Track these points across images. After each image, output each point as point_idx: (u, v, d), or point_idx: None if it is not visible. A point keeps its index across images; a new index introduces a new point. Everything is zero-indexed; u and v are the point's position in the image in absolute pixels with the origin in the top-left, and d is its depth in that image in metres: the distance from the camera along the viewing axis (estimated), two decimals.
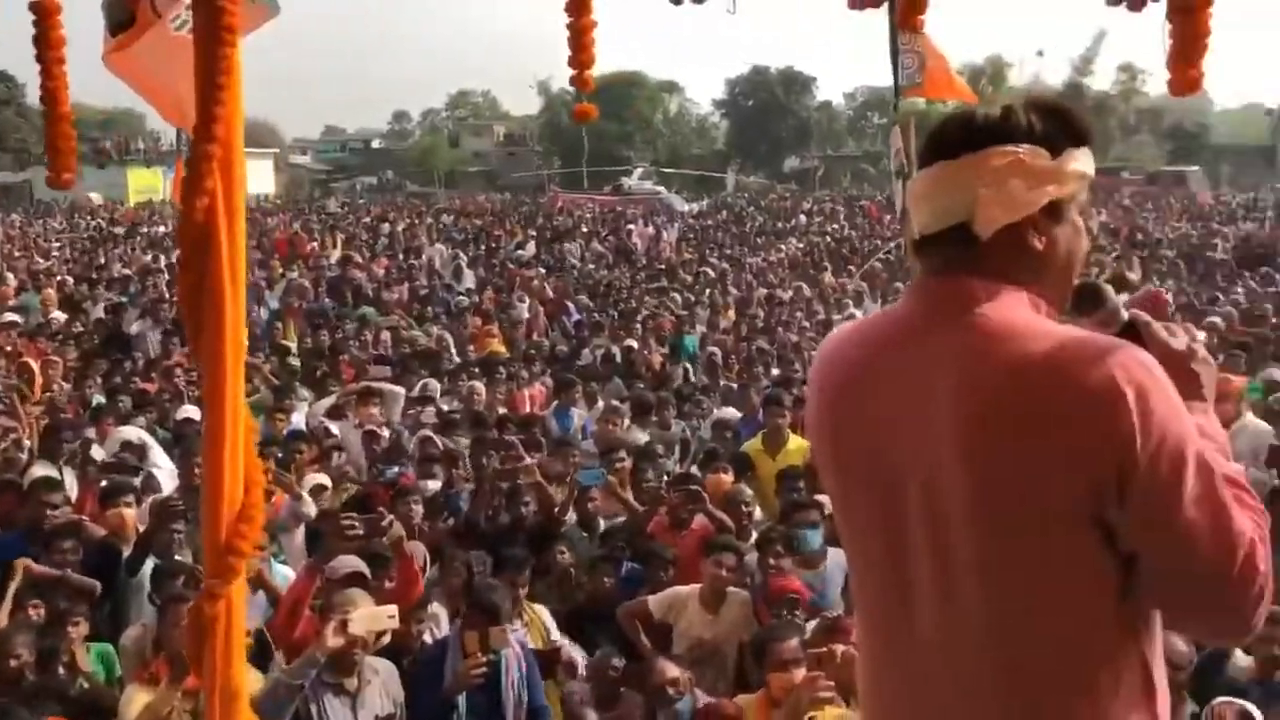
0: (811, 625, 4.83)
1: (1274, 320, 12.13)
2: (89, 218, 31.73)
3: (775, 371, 10.91)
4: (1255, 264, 18.02)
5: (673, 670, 4.74)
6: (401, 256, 19.75)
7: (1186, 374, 1.60)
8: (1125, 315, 1.69)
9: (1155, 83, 58.61)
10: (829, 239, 25.35)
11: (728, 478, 6.92)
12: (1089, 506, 1.46)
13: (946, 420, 1.51)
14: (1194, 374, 1.63)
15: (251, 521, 1.95)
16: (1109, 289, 1.72)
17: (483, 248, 22.22)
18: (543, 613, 5.54)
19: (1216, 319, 11.25)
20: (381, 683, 4.48)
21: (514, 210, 35.62)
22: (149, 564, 5.70)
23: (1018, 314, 1.56)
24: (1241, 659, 4.74)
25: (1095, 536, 1.48)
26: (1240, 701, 3.88)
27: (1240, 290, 14.76)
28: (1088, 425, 1.43)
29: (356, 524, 4.91)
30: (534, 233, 25.12)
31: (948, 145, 1.63)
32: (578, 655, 5.55)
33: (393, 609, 4.50)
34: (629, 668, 5.31)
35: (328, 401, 9.10)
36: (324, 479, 7.03)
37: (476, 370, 10.32)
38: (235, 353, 1.91)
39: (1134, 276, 16.06)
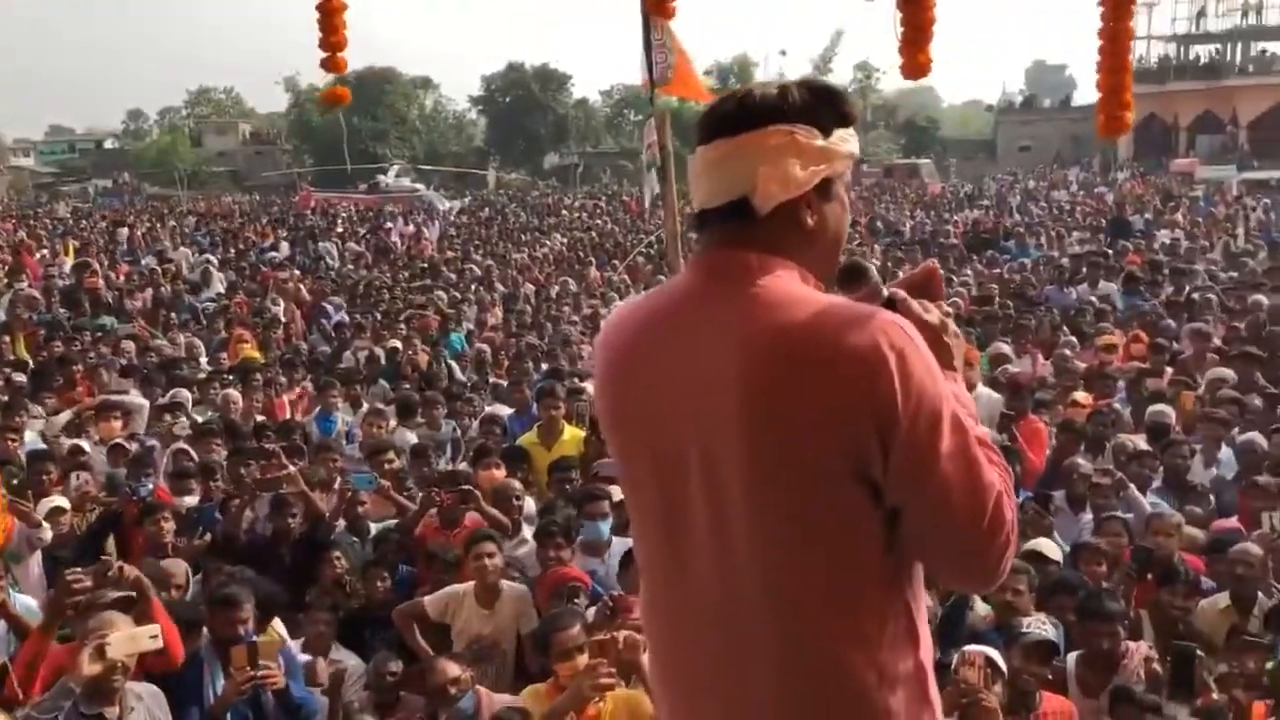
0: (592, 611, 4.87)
1: (999, 300, 13.15)
2: None
3: (544, 366, 10.94)
4: (981, 248, 19.49)
5: (453, 669, 4.68)
6: (144, 261, 18.58)
7: (939, 345, 1.70)
8: (885, 292, 1.77)
9: (889, 80, 62.42)
10: (592, 234, 25.62)
11: (499, 473, 6.88)
12: (855, 464, 1.54)
13: (723, 384, 1.57)
14: (946, 345, 1.73)
15: None
16: (872, 267, 1.81)
17: (232, 250, 21.20)
18: (277, 624, 5.32)
19: (954, 299, 12.09)
20: (146, 710, 4.19)
21: (264, 211, 34.18)
22: None
23: (791, 286, 1.62)
24: (980, 608, 5.12)
25: (861, 493, 1.56)
26: (987, 649, 4.17)
27: (969, 272, 15.91)
28: (853, 386, 1.51)
29: (82, 578, 4.44)
30: (286, 233, 24.17)
31: (727, 122, 1.67)
32: (353, 661, 5.41)
33: (155, 628, 4.20)
34: (408, 671, 5.23)
35: (64, 418, 8.47)
36: (62, 501, 6.52)
37: (230, 378, 9.83)
38: None
39: (875, 263, 17.04)
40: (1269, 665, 4.43)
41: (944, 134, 69.18)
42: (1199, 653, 4.41)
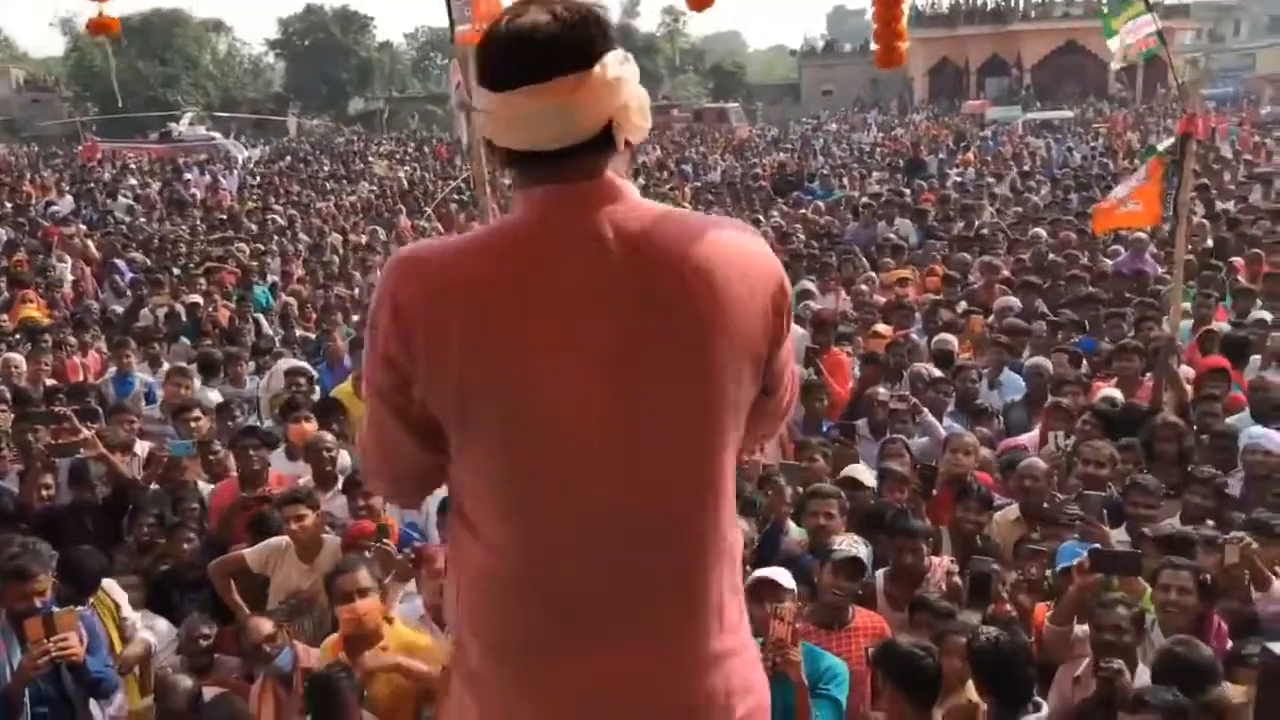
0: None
1: (801, 239, 13.57)
2: None
3: (355, 317, 10.69)
4: (787, 190, 20.02)
5: (266, 626, 4.62)
6: None
7: None
8: None
9: (696, 25, 62.87)
10: (401, 181, 25.03)
11: (310, 426, 6.71)
12: (759, 362, 1.72)
13: (657, 306, 1.62)
14: None
15: None
16: None
17: (9, 205, 19.74)
18: (112, 588, 5.12)
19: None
20: None
21: (44, 163, 31.94)
22: None
23: (657, 207, 1.70)
24: (795, 532, 5.34)
25: (755, 386, 1.74)
26: (775, 571, 4.34)
27: (775, 214, 16.33)
28: (773, 292, 1.71)
29: None
30: (70, 186, 22.67)
31: (565, 57, 1.59)
32: (163, 626, 5.24)
33: None
34: (222, 631, 5.09)
35: None
36: None
37: (18, 339, 9.21)
38: None
39: (686, 205, 17.32)
40: (1049, 571, 4.80)
41: (750, 79, 70.37)
42: (995, 568, 4.76)
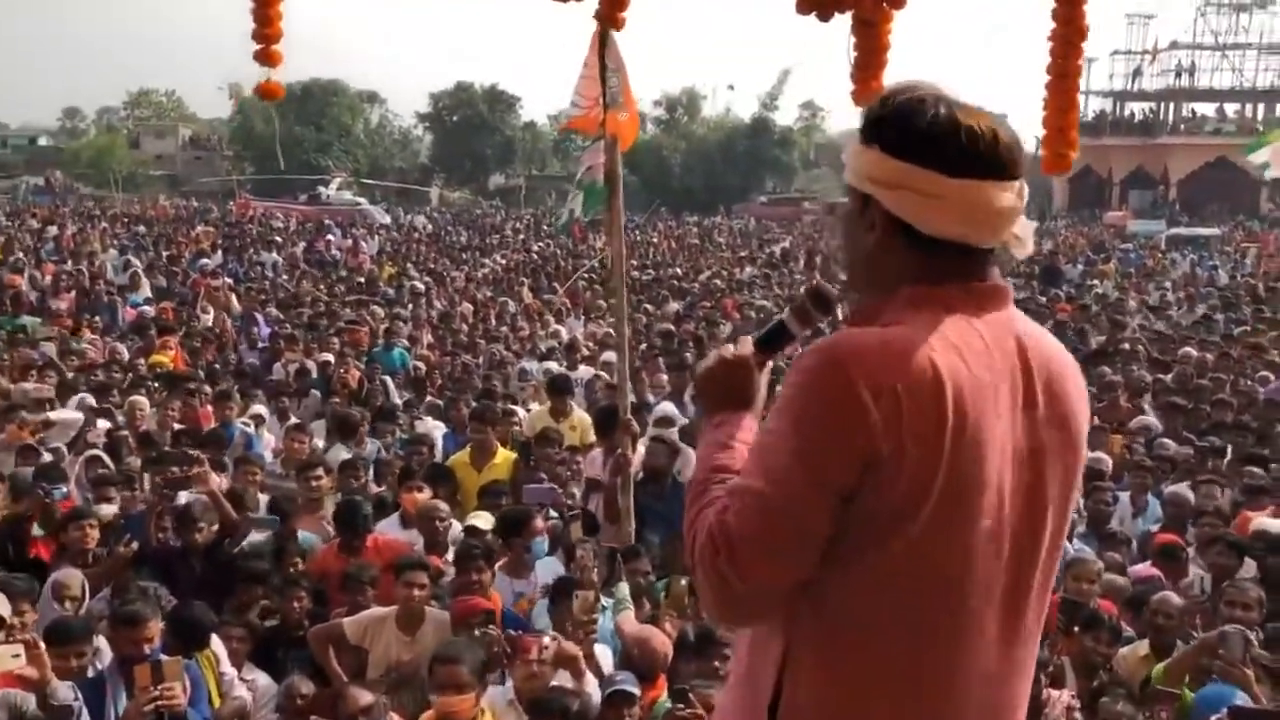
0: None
1: None
2: None
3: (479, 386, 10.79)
4: None
5: (365, 697, 4.56)
6: (70, 263, 18.08)
7: None
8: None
9: (834, 120, 63.27)
10: (534, 255, 25.51)
11: (423, 495, 6.71)
12: None
13: (1067, 425, 1.73)
14: None
15: None
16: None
17: (164, 255, 20.72)
18: (214, 642, 5.14)
19: None
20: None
21: (200, 217, 33.55)
22: None
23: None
24: None
25: None
26: None
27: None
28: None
29: None
30: (221, 240, 23.73)
31: (1017, 163, 1.69)
32: (264, 681, 5.23)
33: (17, 648, 4.03)
34: (319, 694, 5.07)
35: None
36: None
37: (155, 385, 9.55)
38: None
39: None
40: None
41: None
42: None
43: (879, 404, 1.52)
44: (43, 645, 4.11)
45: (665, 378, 10.42)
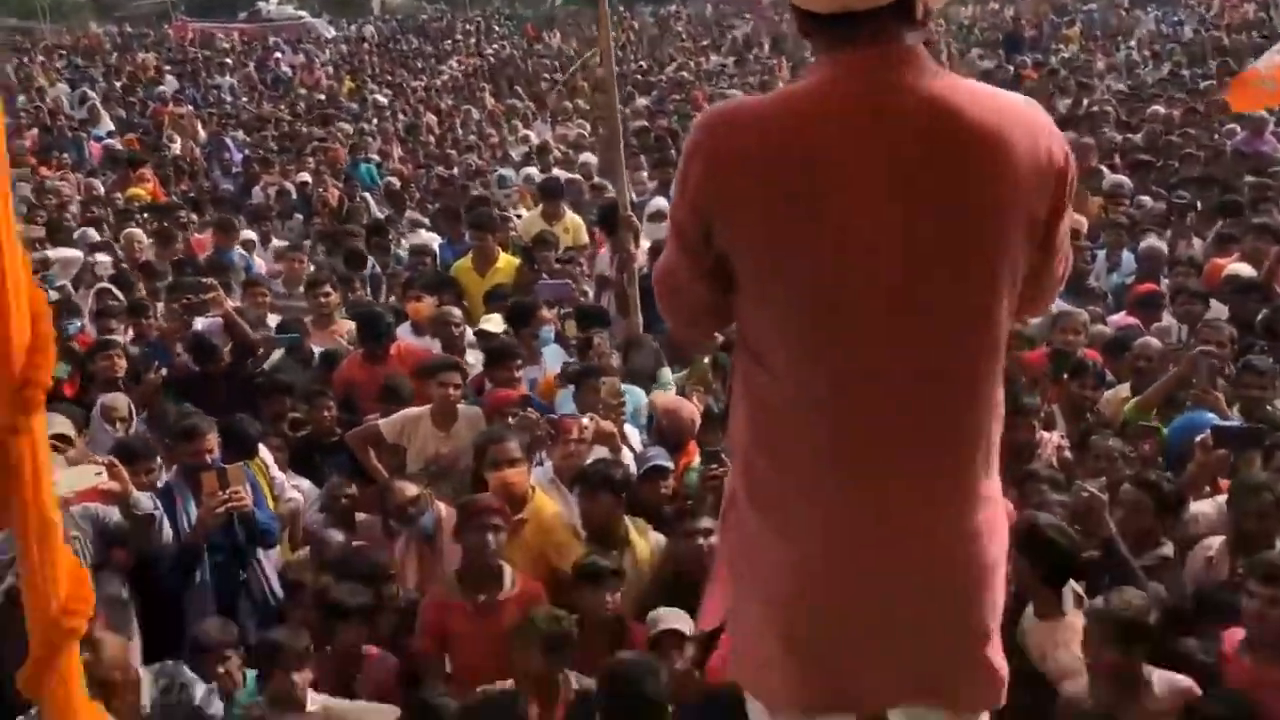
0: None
1: None
2: None
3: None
4: None
5: (411, 489, 4.83)
6: (22, 99, 17.56)
7: None
8: None
9: None
10: (490, 59, 24.92)
11: (425, 303, 6.88)
12: (1033, 227, 1.77)
13: (946, 160, 1.69)
14: None
15: (44, 351, 1.90)
16: None
17: (118, 85, 20.13)
18: (261, 449, 5.44)
19: None
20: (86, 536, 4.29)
21: (136, 43, 32.23)
22: None
23: (953, 75, 1.77)
24: None
25: (1026, 255, 1.79)
26: None
27: None
28: (1051, 154, 1.74)
29: None
30: (171, 67, 22.99)
31: None
32: (306, 485, 5.57)
33: (98, 466, 4.30)
34: (363, 492, 5.40)
35: None
36: None
37: (145, 217, 9.59)
38: (3, 186, 1.81)
39: (782, 85, 17.07)
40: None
41: None
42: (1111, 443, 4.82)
43: (710, 164, 1.74)
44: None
45: (646, 174, 10.52)
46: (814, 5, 1.72)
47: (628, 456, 4.76)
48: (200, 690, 3.86)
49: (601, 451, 4.73)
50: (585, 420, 4.69)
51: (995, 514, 1.88)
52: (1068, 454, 4.96)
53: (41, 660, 1.24)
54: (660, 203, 7.95)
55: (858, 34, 1.70)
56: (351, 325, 6.76)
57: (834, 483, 1.82)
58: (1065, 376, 5.48)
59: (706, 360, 5.70)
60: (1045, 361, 5.75)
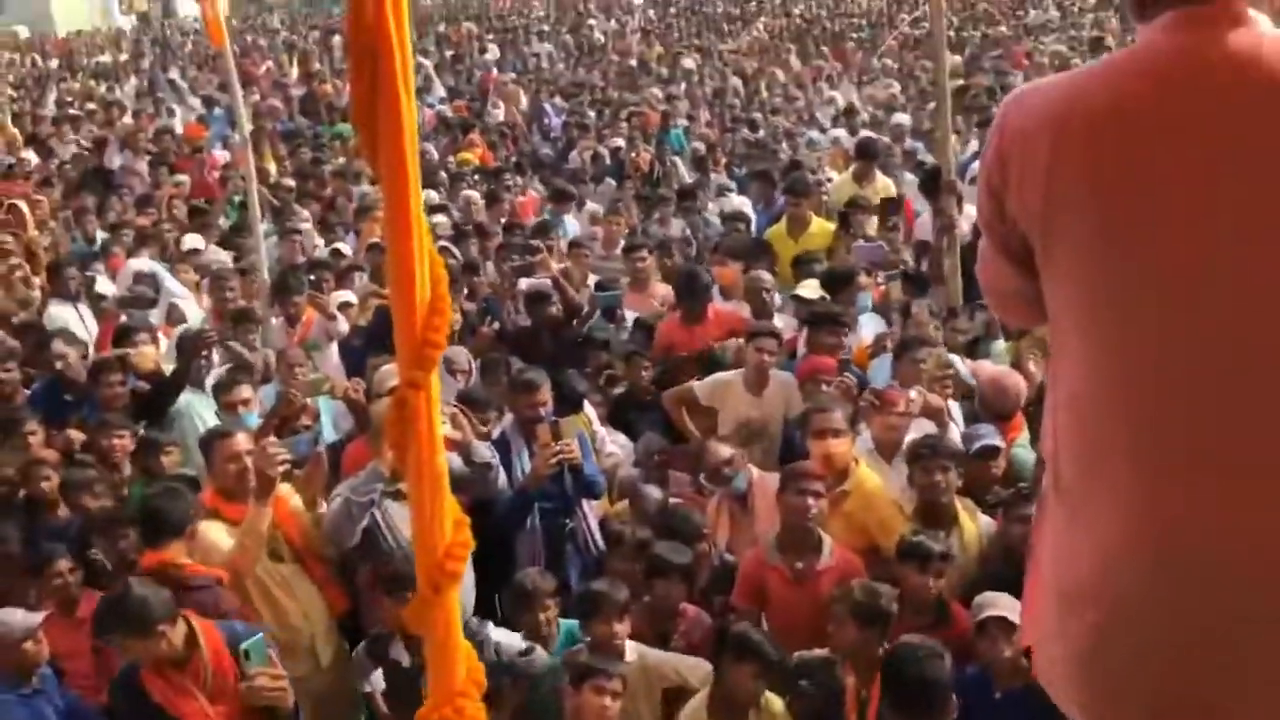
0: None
1: None
2: (16, 54, 30.14)
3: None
4: None
5: (724, 450, 4.90)
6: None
7: None
8: None
9: None
10: (799, 20, 24.71)
11: (733, 268, 6.96)
12: None
13: (1252, 132, 1.58)
14: None
15: (442, 314, 2.03)
16: None
17: (448, 53, 21.47)
18: (586, 405, 5.69)
19: None
20: None
21: (463, 13, 34.17)
22: (184, 397, 5.60)
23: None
24: None
25: None
26: None
27: None
28: None
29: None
30: (492, 36, 24.27)
31: None
32: (623, 439, 5.79)
33: (446, 417, 4.61)
34: (675, 450, 5.56)
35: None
36: (350, 296, 7.08)
37: (476, 180, 10.22)
38: (413, 157, 1.95)
39: (1112, 39, 15.91)
40: None
41: None
42: None
43: (999, 140, 1.73)
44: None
45: (965, 135, 10.14)
46: None
47: (954, 432, 4.62)
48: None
49: (926, 425, 4.62)
50: (913, 393, 4.59)
51: None
52: None
53: (426, 599, 1.35)
54: (977, 166, 7.61)
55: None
56: (667, 289, 6.93)
57: (1140, 476, 1.67)
58: None
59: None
60: None
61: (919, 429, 4.64)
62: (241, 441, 4.44)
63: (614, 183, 11.21)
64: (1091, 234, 1.65)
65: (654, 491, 5.05)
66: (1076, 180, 1.65)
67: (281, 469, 4.18)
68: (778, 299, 6.63)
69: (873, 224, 7.45)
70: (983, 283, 2.00)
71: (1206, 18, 1.62)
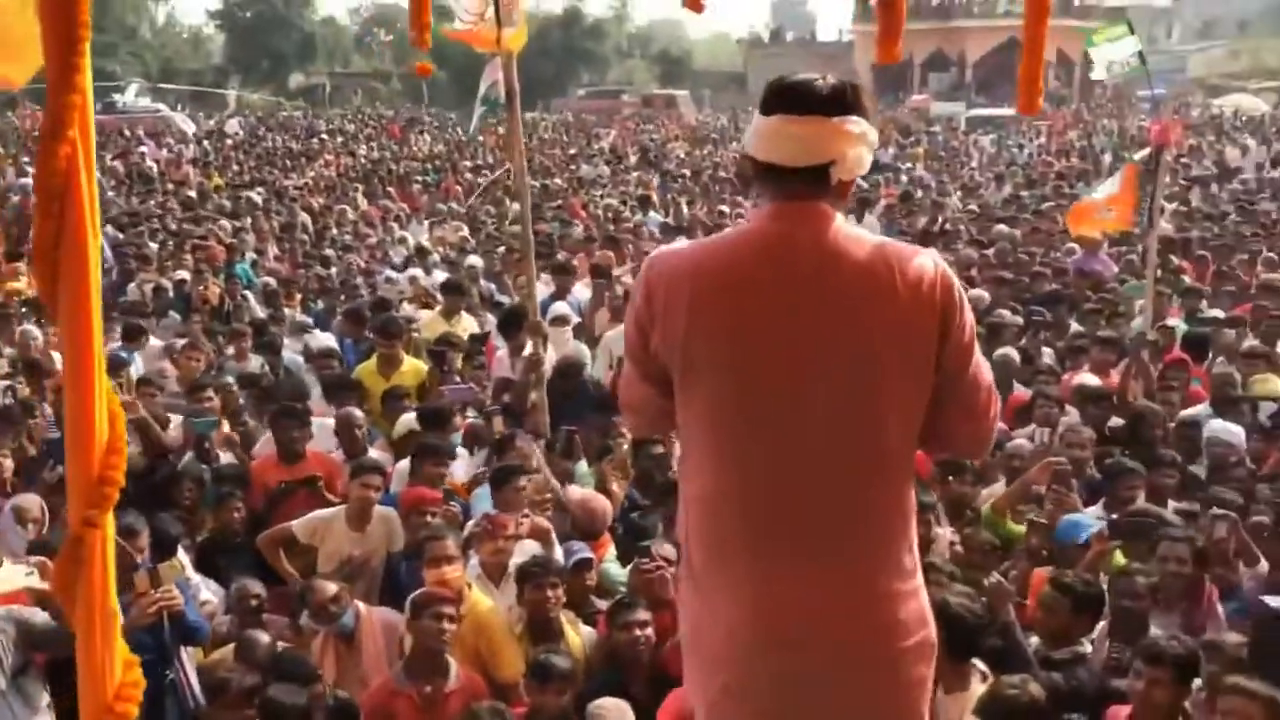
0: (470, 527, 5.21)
1: None
2: None
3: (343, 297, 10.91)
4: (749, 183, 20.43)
5: (330, 588, 4.89)
6: None
7: None
8: None
9: (641, 10, 62.97)
10: (361, 160, 25.03)
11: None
12: (932, 353, 2.13)
13: (849, 303, 2.11)
14: None
15: (119, 453, 2.06)
16: None
17: None
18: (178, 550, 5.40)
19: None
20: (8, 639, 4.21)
21: None
22: None
23: (856, 229, 2.21)
24: None
25: (929, 375, 2.15)
26: None
27: (745, 206, 16.74)
28: (945, 295, 2.12)
29: None
30: (27, 159, 22.36)
31: (817, 103, 2.13)
32: (214, 586, 5.53)
33: (32, 568, 4.25)
34: (272, 593, 5.40)
35: None
36: None
37: (25, 312, 9.34)
38: (97, 297, 1.98)
39: (654, 195, 17.69)
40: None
41: (695, 66, 70.58)
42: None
43: (646, 287, 2.20)
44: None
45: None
46: (756, 151, 2.18)
47: (558, 553, 4.93)
48: None
49: (531, 548, 4.89)
50: (521, 517, 4.86)
51: (915, 606, 2.19)
52: (958, 548, 5.35)
53: None
54: (561, 307, 8.22)
55: (785, 189, 2.17)
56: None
57: (748, 566, 2.16)
58: (949, 477, 5.92)
59: (625, 446, 5.99)
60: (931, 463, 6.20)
61: (522, 552, 4.91)
62: None
63: (179, 316, 10.70)
64: (717, 362, 2.14)
65: (261, 636, 4.88)
66: (708, 318, 2.14)
67: None
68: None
69: (458, 361, 7.75)
70: (623, 400, 2.46)
71: (797, 211, 2.17)
